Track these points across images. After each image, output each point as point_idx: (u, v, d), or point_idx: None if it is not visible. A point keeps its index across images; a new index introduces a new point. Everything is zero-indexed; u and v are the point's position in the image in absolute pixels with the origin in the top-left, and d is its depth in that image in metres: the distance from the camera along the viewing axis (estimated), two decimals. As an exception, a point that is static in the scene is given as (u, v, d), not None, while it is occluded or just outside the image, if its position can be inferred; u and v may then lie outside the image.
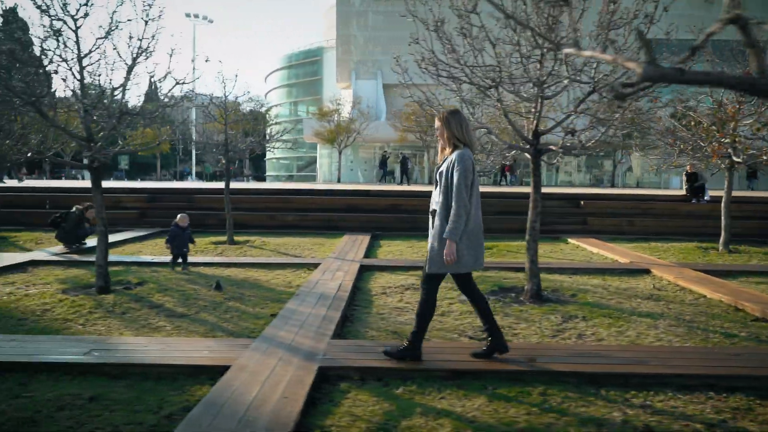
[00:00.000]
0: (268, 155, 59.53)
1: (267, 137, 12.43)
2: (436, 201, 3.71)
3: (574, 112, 5.62)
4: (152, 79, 6.29)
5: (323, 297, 5.79)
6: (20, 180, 21.62)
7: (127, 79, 5.85)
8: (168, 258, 7.72)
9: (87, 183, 27.70)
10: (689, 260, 9.17)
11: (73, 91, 5.79)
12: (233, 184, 12.93)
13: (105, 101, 5.97)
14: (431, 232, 3.72)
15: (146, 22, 5.72)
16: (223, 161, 10.99)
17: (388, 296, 6.24)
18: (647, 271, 7.95)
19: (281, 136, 12.34)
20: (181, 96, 7.60)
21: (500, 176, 29.40)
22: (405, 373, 3.66)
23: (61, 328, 4.78)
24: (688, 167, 13.19)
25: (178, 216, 7.60)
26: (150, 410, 3.15)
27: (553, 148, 5.83)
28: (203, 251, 9.70)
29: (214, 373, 3.63)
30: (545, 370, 3.67)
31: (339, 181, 35.74)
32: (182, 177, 56.43)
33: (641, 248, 10.53)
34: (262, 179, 60.23)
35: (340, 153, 35.55)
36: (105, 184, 12.92)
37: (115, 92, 5.95)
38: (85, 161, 6.37)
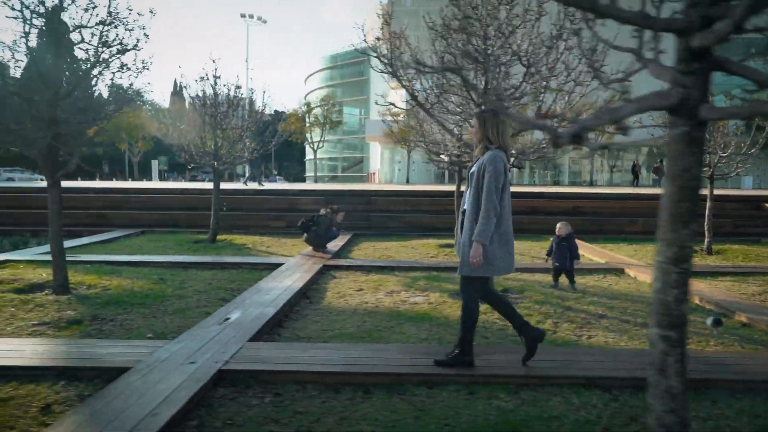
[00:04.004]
0: (309, 155, 59.34)
1: None
2: (467, 201, 3.68)
3: None
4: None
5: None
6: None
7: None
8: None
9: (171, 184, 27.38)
10: None
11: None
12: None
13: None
14: (463, 232, 3.69)
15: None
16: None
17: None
18: None
19: None
20: None
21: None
22: None
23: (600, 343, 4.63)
24: None
25: (558, 225, 6.72)
26: None
27: None
28: (436, 255, 9.53)
29: None
30: None
31: (408, 181, 35.61)
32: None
33: None
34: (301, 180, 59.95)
35: (409, 153, 35.43)
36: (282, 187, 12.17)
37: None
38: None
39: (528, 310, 5.50)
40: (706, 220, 10.15)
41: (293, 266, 7.77)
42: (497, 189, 3.49)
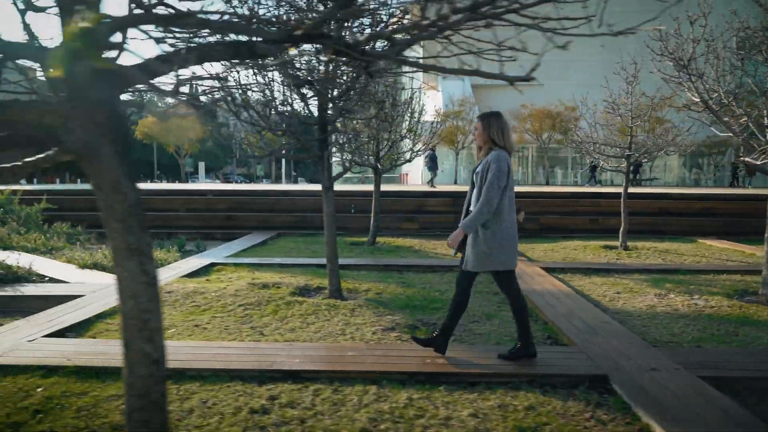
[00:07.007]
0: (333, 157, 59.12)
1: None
2: (473, 202, 3.75)
3: None
4: None
5: None
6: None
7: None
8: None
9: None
10: None
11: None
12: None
13: None
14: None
15: None
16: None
17: None
18: None
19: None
20: None
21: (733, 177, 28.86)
22: None
23: None
24: None
25: None
26: None
27: None
28: (619, 256, 9.49)
29: None
30: None
31: (456, 182, 35.59)
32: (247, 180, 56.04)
33: None
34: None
35: (457, 154, 35.45)
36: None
37: None
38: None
39: None
40: None
41: (506, 269, 7.75)
42: (499, 187, 3.57)
